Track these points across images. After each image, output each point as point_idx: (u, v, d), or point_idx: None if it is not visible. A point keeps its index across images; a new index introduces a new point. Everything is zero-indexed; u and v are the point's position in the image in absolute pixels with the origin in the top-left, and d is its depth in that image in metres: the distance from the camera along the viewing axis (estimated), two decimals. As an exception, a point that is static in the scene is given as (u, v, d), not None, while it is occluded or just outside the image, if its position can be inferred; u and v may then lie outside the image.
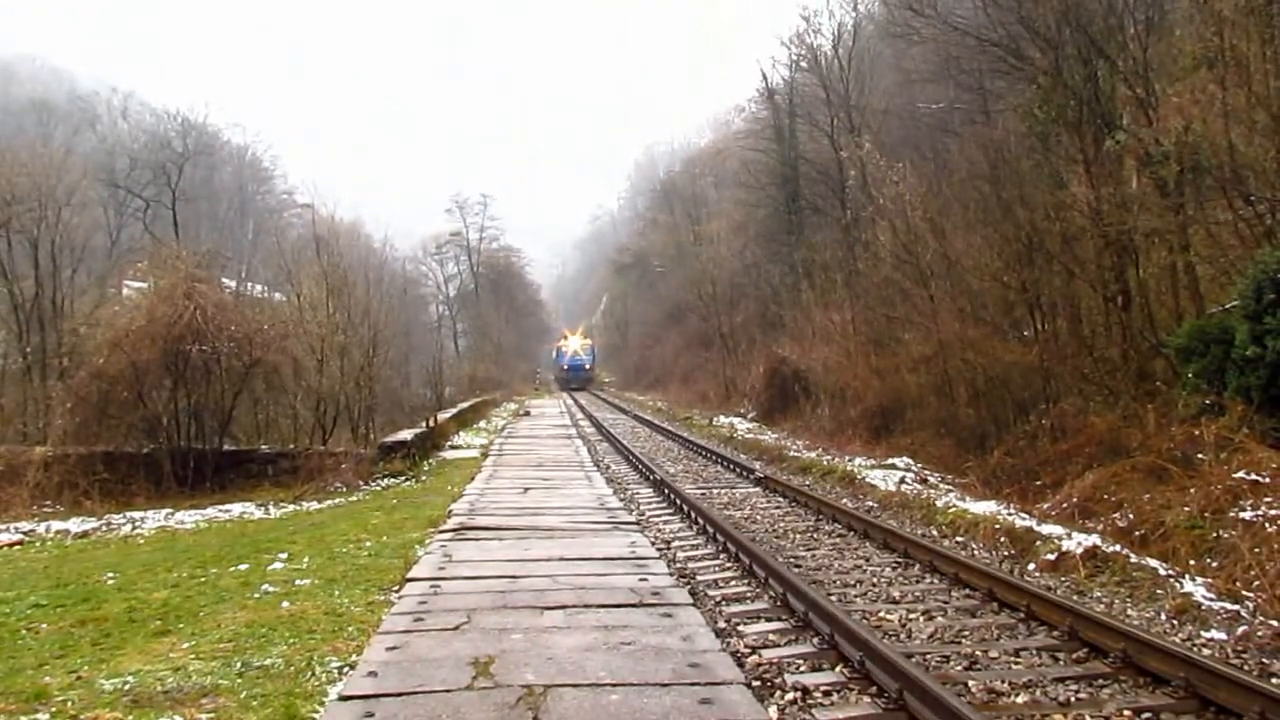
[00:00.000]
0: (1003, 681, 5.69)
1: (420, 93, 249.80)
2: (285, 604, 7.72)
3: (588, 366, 73.26)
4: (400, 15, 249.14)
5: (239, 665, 5.89)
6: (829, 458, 18.56)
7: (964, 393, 18.09)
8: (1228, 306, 12.55)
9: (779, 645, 6.57)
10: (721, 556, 9.86)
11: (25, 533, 15.54)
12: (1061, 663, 6.12)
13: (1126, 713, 5.18)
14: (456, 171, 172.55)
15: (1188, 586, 7.57)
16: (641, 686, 5.21)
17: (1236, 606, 7.08)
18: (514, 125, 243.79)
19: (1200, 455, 10.30)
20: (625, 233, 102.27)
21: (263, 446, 23.33)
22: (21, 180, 29.70)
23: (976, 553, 9.94)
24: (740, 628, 7.05)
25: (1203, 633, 6.69)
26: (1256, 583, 7.31)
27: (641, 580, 7.85)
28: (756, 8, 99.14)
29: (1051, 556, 8.97)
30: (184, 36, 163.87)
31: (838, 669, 6.00)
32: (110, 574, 10.30)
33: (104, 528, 15.95)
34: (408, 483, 18.55)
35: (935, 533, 11.18)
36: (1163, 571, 8.09)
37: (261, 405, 25.85)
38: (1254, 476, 9.08)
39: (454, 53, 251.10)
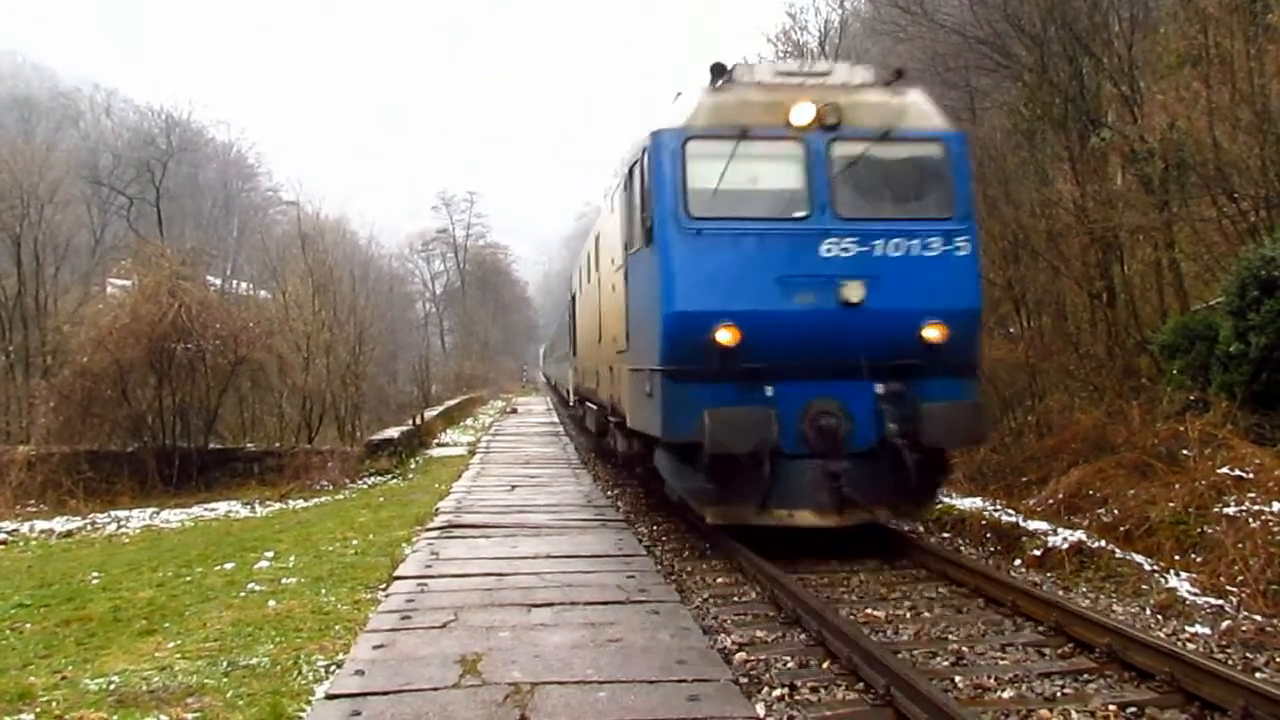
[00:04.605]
0: (989, 677, 5.70)
1: (405, 90, 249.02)
2: (271, 603, 7.68)
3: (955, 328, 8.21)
4: (388, 14, 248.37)
5: (225, 664, 5.86)
6: (816, 454, 18.49)
7: (950, 389, 18.10)
8: (1212, 303, 12.64)
9: (766, 642, 6.57)
10: (709, 553, 9.86)
11: (9, 533, 15.45)
12: (1047, 658, 6.14)
13: (1112, 707, 5.21)
14: (442, 168, 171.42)
15: (1172, 582, 7.62)
16: (629, 684, 5.20)
17: (1220, 601, 7.13)
18: (499, 123, 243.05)
19: (1185, 451, 10.35)
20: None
21: (248, 445, 23.28)
22: (3, 177, 29.59)
23: (962, 549, 9.97)
24: (728, 624, 7.05)
25: (1187, 628, 6.72)
26: (1240, 578, 7.36)
27: (629, 577, 7.85)
28: (753, 8, 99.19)
29: (1037, 552, 9.01)
30: (167, 33, 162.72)
31: (825, 665, 6.00)
32: (95, 573, 10.25)
33: (88, 527, 15.88)
34: (394, 481, 18.50)
35: (921, 529, 11.21)
36: (1147, 567, 8.13)
37: (247, 403, 25.81)
38: (1238, 472, 9.13)
39: (441, 51, 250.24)
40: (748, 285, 7.91)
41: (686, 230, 7.96)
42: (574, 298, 19.47)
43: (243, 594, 8.22)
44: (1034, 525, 9.76)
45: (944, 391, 8.11)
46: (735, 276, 7.94)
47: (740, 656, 6.16)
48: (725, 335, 7.74)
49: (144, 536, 14.60)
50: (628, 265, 9.69)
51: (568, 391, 25.45)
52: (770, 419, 7.67)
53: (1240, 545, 7.73)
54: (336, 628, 6.71)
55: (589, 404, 16.87)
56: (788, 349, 7.90)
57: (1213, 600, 7.17)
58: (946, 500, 11.96)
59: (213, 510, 17.10)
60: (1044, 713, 5.15)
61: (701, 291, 7.92)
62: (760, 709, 5.15)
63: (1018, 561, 9.13)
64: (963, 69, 22.86)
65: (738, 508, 8.14)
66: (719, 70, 8.57)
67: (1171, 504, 9.24)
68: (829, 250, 7.95)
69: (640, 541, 9.88)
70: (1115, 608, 7.36)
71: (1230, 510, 8.45)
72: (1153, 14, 16.12)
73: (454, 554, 9.11)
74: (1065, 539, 8.99)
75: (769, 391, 7.96)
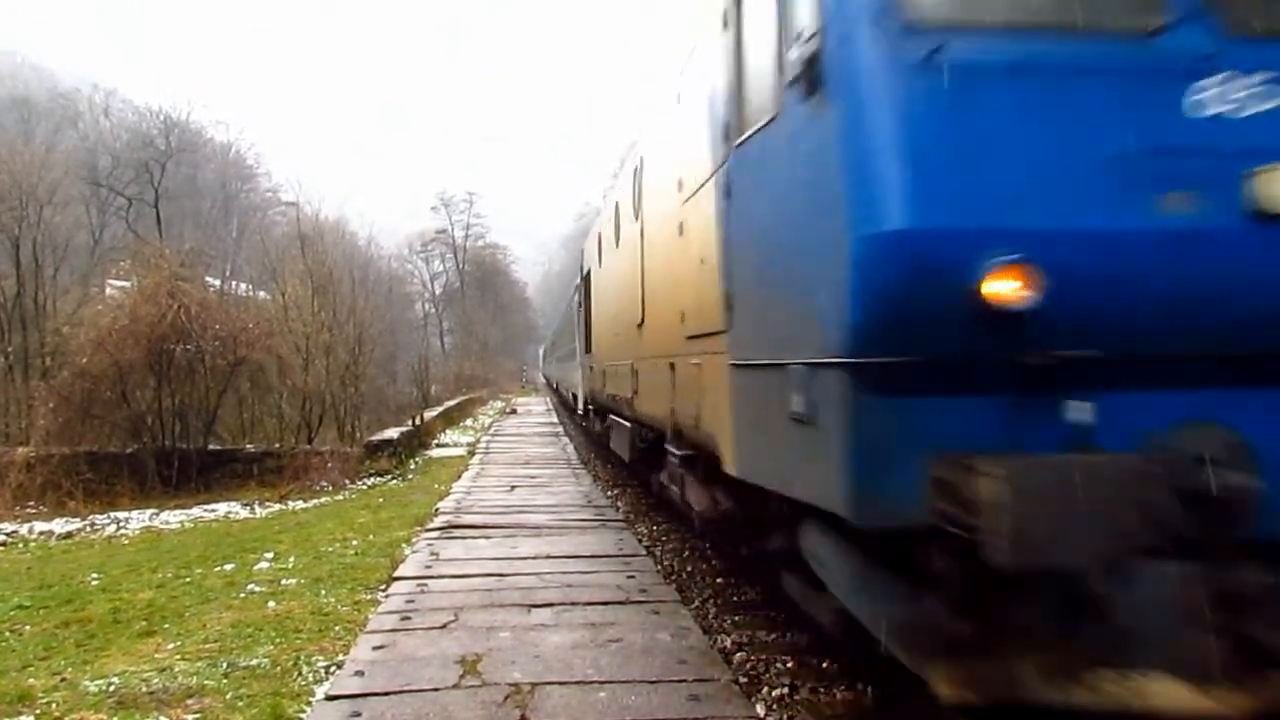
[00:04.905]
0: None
1: (405, 90, 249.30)
2: (271, 604, 7.68)
3: None
4: (388, 14, 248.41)
5: (225, 666, 5.86)
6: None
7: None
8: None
9: (766, 642, 6.57)
10: (709, 552, 9.86)
11: (8, 534, 15.45)
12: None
13: (1112, 706, 5.19)
14: (442, 168, 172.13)
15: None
16: (629, 684, 5.20)
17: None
18: (499, 123, 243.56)
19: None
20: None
21: (248, 446, 23.29)
22: (2, 178, 29.61)
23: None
24: (727, 624, 7.05)
25: (1186, 626, 6.72)
26: (1239, 576, 7.36)
27: (629, 578, 7.85)
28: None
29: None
30: (166, 33, 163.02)
31: (826, 664, 6.00)
32: (94, 575, 10.26)
33: (88, 528, 15.89)
34: (394, 481, 18.51)
35: (921, 528, 11.18)
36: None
37: (246, 404, 25.84)
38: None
39: (441, 51, 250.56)
40: (1047, 177, 3.36)
41: (901, 56, 3.40)
42: (588, 275, 14.52)
43: (242, 595, 8.21)
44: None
45: None
46: (1017, 158, 3.36)
47: (740, 656, 6.16)
48: (1006, 286, 3.21)
49: (143, 538, 14.60)
50: (731, 168, 5.04)
51: (575, 398, 19.91)
52: (1148, 483, 3.12)
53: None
54: (336, 628, 6.71)
55: (615, 418, 11.95)
56: (1139, 316, 3.39)
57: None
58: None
59: (212, 511, 17.12)
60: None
61: (946, 189, 3.33)
62: (760, 709, 5.16)
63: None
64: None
65: (1009, 668, 3.54)
66: None
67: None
68: (1214, 100, 3.37)
69: (640, 542, 9.89)
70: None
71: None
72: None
73: (454, 554, 9.11)
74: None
75: (1082, 414, 3.43)
